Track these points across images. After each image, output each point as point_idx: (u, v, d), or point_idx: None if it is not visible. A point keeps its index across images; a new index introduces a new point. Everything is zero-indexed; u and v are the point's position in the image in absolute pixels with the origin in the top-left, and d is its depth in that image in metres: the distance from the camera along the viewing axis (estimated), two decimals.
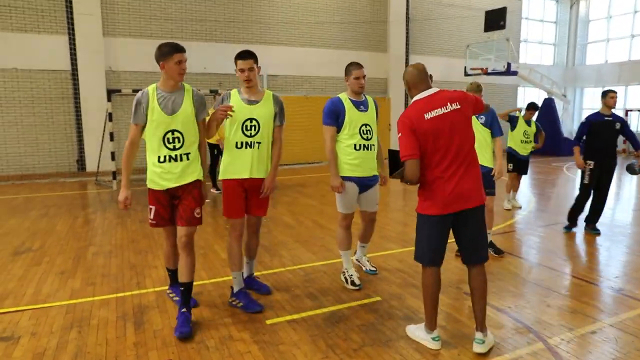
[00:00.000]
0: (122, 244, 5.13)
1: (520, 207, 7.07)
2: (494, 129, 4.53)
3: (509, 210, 6.91)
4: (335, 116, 3.55)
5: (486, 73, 13.77)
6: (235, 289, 3.38)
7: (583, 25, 19.10)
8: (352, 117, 3.55)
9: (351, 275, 3.76)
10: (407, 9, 14.43)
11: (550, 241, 5.23)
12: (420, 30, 14.90)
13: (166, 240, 3.27)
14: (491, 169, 4.41)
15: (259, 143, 3.22)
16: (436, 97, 2.58)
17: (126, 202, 3.02)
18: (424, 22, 14.90)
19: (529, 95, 17.82)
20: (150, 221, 3.08)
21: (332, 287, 3.75)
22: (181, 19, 11.47)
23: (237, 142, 3.19)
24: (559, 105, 16.44)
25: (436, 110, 2.54)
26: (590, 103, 18.98)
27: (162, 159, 2.92)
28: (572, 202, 5.66)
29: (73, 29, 10.38)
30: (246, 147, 3.19)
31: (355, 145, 3.55)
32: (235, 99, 3.22)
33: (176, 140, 2.90)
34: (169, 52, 2.84)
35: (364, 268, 4.15)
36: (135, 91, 10.29)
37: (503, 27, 13.39)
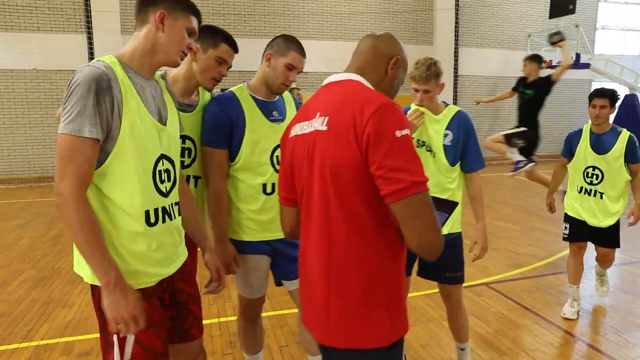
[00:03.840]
0: (64, 271, 4.39)
1: None
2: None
3: None
4: (223, 130, 1.97)
5: (550, 66, 11.81)
6: None
7: None
8: (257, 130, 2.00)
9: None
10: None
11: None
12: (472, 18, 13.14)
13: None
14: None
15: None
16: (319, 96, 1.30)
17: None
18: (477, 9, 13.13)
19: None
20: None
21: None
22: (205, 14, 10.80)
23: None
24: None
25: (303, 124, 1.30)
26: None
27: (152, 219, 1.43)
28: None
29: (91, 27, 10.09)
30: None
31: (264, 185, 2.03)
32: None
33: (166, 174, 1.50)
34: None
35: None
36: None
37: (572, 11, 11.39)
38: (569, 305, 3.39)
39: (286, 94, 2.24)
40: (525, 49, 12.60)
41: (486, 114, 13.36)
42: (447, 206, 1.49)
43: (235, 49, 1.99)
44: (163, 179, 1.48)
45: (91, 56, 10.13)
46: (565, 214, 3.45)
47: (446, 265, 2.38)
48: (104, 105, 1.29)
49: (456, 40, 12.90)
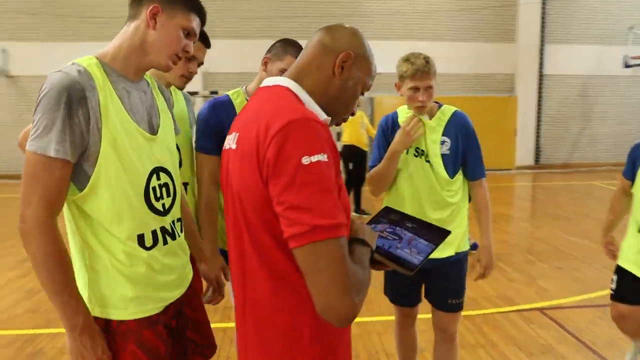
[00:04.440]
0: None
1: None
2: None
3: None
4: (217, 137, 1.82)
5: None
6: None
7: None
8: None
9: None
10: None
11: None
12: (561, 11, 11.97)
13: None
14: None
15: None
16: (251, 103, 1.09)
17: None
18: (567, 1, 11.99)
19: None
20: None
21: None
22: (272, 17, 11.04)
23: None
24: None
25: (229, 137, 1.09)
26: None
27: (148, 242, 1.26)
28: None
29: None
30: None
31: None
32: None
33: (164, 189, 1.32)
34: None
35: None
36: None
37: None
38: (632, 354, 2.78)
39: None
40: (624, 43, 11.29)
41: (574, 114, 12.19)
42: (436, 235, 1.28)
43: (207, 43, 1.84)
44: (159, 195, 1.28)
45: None
46: (618, 265, 2.29)
47: (449, 290, 2.10)
48: (76, 119, 1.10)
49: (542, 36, 11.88)
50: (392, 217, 1.38)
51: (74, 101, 1.10)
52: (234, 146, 1.01)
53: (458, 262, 2.08)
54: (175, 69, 1.68)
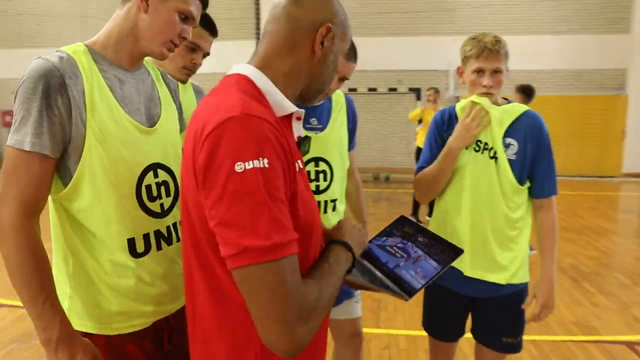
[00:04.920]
0: None
1: None
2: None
3: None
4: None
5: None
6: None
7: None
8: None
9: None
10: None
11: None
12: None
13: None
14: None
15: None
16: (207, 95, 0.95)
17: None
18: None
19: None
20: None
21: None
22: (363, 14, 10.91)
23: None
24: None
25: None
26: None
27: (140, 247, 1.15)
28: None
29: (259, 33, 11.11)
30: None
31: None
32: None
33: (162, 188, 1.21)
34: None
35: None
36: None
37: None
38: None
39: (338, 96, 1.86)
40: None
41: None
42: (446, 254, 1.11)
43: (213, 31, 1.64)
44: (155, 195, 1.16)
45: None
46: None
47: (503, 327, 1.76)
48: (55, 109, 1.00)
49: None
50: (406, 229, 1.22)
51: (52, 89, 1.00)
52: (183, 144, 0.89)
53: (515, 295, 1.74)
54: (177, 59, 1.60)
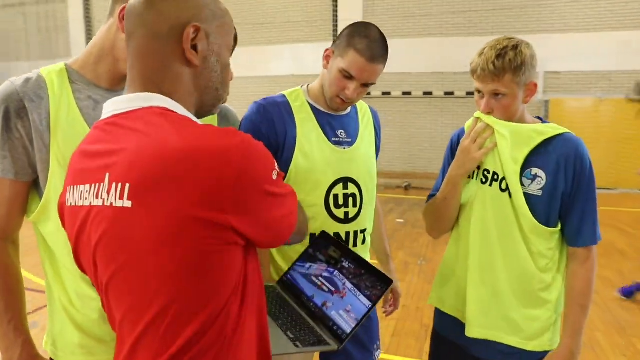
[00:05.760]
0: None
1: None
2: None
3: None
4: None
5: None
6: None
7: None
8: (311, 153, 1.44)
9: None
10: None
11: None
12: None
13: None
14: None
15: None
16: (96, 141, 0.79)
17: None
18: None
19: None
20: None
21: None
22: (440, 13, 10.50)
23: None
24: None
25: (81, 187, 0.78)
26: None
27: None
28: None
29: (336, 36, 11.09)
30: None
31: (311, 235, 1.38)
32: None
33: None
34: None
35: None
36: (386, 93, 10.23)
37: None
38: None
39: (363, 108, 1.61)
40: None
41: None
42: (377, 287, 0.97)
43: None
44: None
45: None
46: None
47: None
48: (17, 133, 0.99)
49: None
50: (331, 252, 1.08)
51: (12, 113, 0.99)
52: (122, 203, 0.72)
53: None
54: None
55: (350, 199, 1.47)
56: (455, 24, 10.45)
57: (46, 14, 13.86)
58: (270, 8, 11.66)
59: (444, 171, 1.51)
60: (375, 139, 1.61)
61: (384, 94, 10.44)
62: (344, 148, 1.48)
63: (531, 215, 1.30)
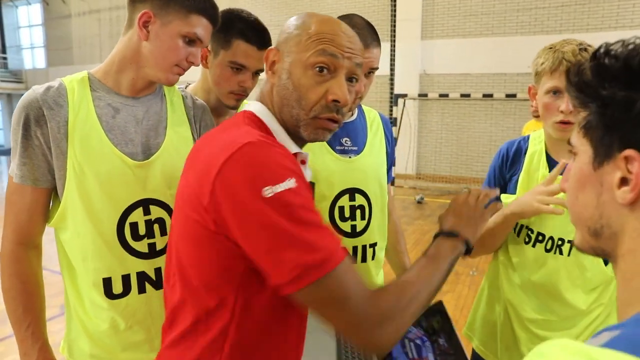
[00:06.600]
0: None
1: None
2: None
3: None
4: None
5: None
6: None
7: None
8: (313, 164, 1.14)
9: None
10: None
11: None
12: None
13: None
14: None
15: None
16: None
17: None
18: None
19: None
20: None
21: None
22: (504, 11, 9.98)
23: None
24: None
25: None
26: None
27: (117, 289, 1.09)
28: None
29: (394, 35, 10.90)
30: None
31: None
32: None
33: (156, 226, 1.12)
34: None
35: None
36: (443, 95, 9.91)
37: None
38: None
39: (372, 114, 1.48)
40: None
41: None
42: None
43: (260, 42, 1.33)
44: (143, 233, 1.07)
45: (392, 63, 10.99)
46: None
47: None
48: (36, 141, 1.01)
49: None
50: (434, 322, 1.03)
51: (32, 121, 1.01)
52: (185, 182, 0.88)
53: None
54: (222, 84, 1.38)
55: (358, 211, 1.37)
56: (519, 22, 9.91)
57: (117, 19, 14.77)
58: (328, 8, 11.68)
59: (489, 181, 1.41)
60: (387, 146, 1.49)
61: (441, 96, 10.11)
62: (350, 157, 1.37)
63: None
